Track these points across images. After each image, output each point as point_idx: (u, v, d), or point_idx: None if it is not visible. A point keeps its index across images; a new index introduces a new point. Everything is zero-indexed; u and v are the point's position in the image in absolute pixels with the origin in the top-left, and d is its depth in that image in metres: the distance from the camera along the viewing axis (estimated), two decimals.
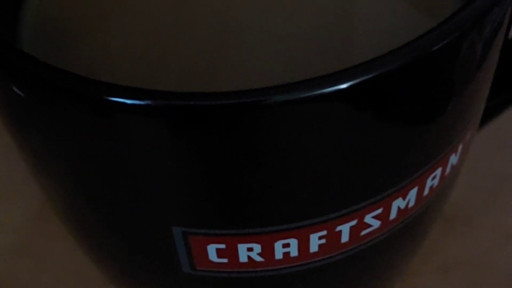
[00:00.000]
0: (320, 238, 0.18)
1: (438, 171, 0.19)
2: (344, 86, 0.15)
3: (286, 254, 0.18)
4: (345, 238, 0.19)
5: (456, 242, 0.27)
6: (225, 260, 0.18)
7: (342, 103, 0.15)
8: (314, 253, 0.19)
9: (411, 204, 0.19)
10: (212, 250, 0.18)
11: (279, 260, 0.19)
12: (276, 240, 0.18)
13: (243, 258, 0.18)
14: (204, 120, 0.15)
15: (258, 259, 0.18)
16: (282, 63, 0.19)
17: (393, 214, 0.19)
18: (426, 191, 0.19)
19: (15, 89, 0.16)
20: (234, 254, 0.18)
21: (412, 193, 0.19)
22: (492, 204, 0.28)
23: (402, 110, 0.16)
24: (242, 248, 0.18)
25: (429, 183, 0.19)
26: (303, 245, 0.18)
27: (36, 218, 0.29)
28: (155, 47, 0.20)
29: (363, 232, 0.19)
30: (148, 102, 0.15)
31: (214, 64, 0.19)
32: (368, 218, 0.18)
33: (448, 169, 0.19)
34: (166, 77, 0.19)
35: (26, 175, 0.30)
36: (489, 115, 0.24)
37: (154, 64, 0.20)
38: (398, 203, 0.18)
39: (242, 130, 0.15)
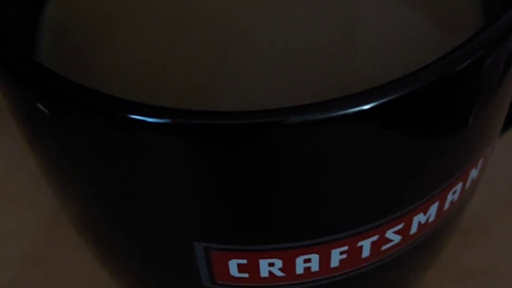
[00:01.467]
0: (341, 253, 0.18)
1: (459, 186, 0.19)
2: (367, 107, 0.15)
3: (307, 269, 0.18)
4: (365, 253, 0.19)
5: (471, 252, 0.27)
6: (246, 275, 0.19)
7: (365, 122, 0.15)
8: (335, 267, 0.19)
9: (431, 218, 0.19)
10: (233, 265, 0.18)
11: (300, 274, 0.19)
12: (297, 256, 0.18)
13: (264, 273, 0.18)
14: (225, 139, 0.15)
15: (279, 274, 0.18)
16: (287, 76, 0.19)
17: (413, 229, 0.19)
18: (446, 206, 0.19)
19: (39, 105, 0.16)
20: (255, 269, 0.18)
21: (433, 208, 0.19)
22: (507, 213, 0.28)
23: (424, 128, 0.16)
24: (263, 264, 0.18)
25: (449, 197, 0.19)
26: (324, 260, 0.18)
27: (49, 226, 0.29)
28: (160, 60, 0.20)
29: (384, 247, 0.19)
30: (169, 120, 0.15)
31: (218, 76, 0.19)
32: (389, 233, 0.18)
33: (468, 183, 0.19)
34: (171, 88, 0.19)
35: (38, 183, 0.30)
36: (507, 124, 0.24)
37: (159, 77, 0.20)
38: (419, 218, 0.18)
39: (264, 149, 0.15)
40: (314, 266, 0.18)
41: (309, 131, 0.15)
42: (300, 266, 0.18)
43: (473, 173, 0.19)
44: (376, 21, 0.21)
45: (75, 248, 0.28)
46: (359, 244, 0.18)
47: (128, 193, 0.17)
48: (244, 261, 0.18)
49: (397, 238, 0.19)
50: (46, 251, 0.29)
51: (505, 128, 0.25)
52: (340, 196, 0.17)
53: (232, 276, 0.19)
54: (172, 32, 0.21)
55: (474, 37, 0.15)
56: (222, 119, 0.15)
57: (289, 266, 0.18)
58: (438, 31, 0.21)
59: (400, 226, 0.18)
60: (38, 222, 0.29)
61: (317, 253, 0.18)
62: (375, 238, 0.18)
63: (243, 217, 0.17)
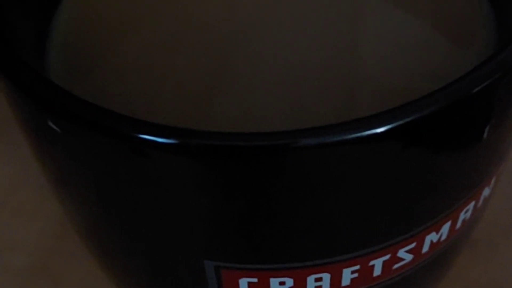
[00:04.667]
0: (353, 272, 0.18)
1: (471, 205, 0.19)
2: (383, 129, 0.15)
3: None
4: (377, 272, 0.18)
5: (479, 266, 0.27)
6: None
7: (381, 144, 0.15)
8: (346, 286, 0.19)
9: (443, 237, 0.19)
10: (243, 283, 0.18)
11: None
12: (309, 275, 0.18)
13: None
14: (236, 160, 0.15)
15: None
16: (289, 86, 0.19)
17: (425, 248, 0.19)
18: (458, 224, 0.19)
19: (50, 123, 0.16)
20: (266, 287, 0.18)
21: (445, 227, 0.18)
22: None
23: (438, 148, 0.16)
24: (274, 282, 0.18)
25: (461, 216, 0.19)
26: (336, 279, 0.18)
27: (54, 237, 0.29)
28: (165, 71, 0.20)
29: (395, 266, 0.19)
30: (178, 140, 0.15)
31: (217, 93, 0.19)
32: (401, 253, 0.18)
33: (480, 202, 0.19)
34: (174, 100, 0.19)
35: (44, 194, 0.30)
36: None
37: (164, 87, 0.20)
38: (431, 237, 0.18)
39: (275, 170, 0.15)
40: (325, 285, 0.18)
41: (322, 153, 0.15)
42: (311, 285, 0.18)
43: (486, 191, 0.19)
44: (384, 32, 0.21)
45: (81, 258, 0.28)
46: (371, 263, 0.18)
47: (137, 211, 0.17)
48: (255, 280, 0.18)
49: (408, 257, 0.18)
50: (52, 261, 0.29)
51: None
52: (353, 216, 0.17)
53: None
54: (178, 44, 0.21)
55: (491, 59, 0.15)
56: (233, 140, 0.15)
57: (300, 285, 0.18)
58: (449, 43, 0.21)
59: (412, 245, 0.18)
60: (43, 232, 0.29)
61: (328, 272, 0.18)
62: (387, 257, 0.18)
63: (254, 236, 0.17)
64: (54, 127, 0.16)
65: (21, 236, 0.29)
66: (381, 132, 0.15)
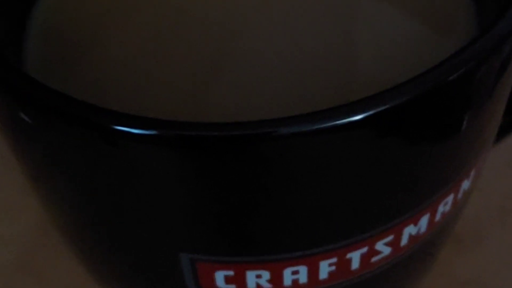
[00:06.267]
0: (330, 265, 0.18)
1: (450, 197, 0.19)
2: (359, 117, 0.14)
3: (295, 281, 0.18)
4: (355, 265, 0.18)
5: (464, 261, 0.27)
6: (232, 286, 0.18)
7: (357, 133, 0.15)
8: (323, 279, 0.18)
9: (422, 230, 0.19)
10: (219, 276, 0.18)
11: (288, 286, 0.18)
12: (285, 267, 0.18)
13: (251, 284, 0.18)
14: (210, 150, 0.15)
15: (267, 285, 0.18)
16: (281, 82, 0.19)
17: (404, 241, 0.18)
18: (437, 217, 0.19)
19: (22, 115, 0.16)
20: (242, 280, 0.18)
21: (424, 220, 0.18)
22: (501, 222, 0.28)
23: (415, 138, 0.16)
24: (250, 275, 0.18)
25: (440, 209, 0.19)
26: (313, 272, 0.18)
27: (38, 234, 0.29)
28: (149, 68, 0.20)
29: (374, 259, 0.18)
30: (154, 132, 0.15)
31: (209, 85, 0.19)
32: (379, 245, 0.18)
33: (460, 195, 0.19)
34: (161, 96, 0.19)
35: (26, 191, 0.29)
36: (501, 134, 0.24)
37: (148, 85, 0.19)
38: (410, 230, 0.18)
39: (251, 161, 0.15)
40: (302, 278, 0.18)
41: (297, 142, 0.15)
42: (288, 278, 0.18)
43: (465, 184, 0.19)
44: (371, 27, 0.21)
45: (63, 255, 0.28)
46: (348, 256, 0.18)
47: (113, 203, 0.17)
48: (231, 273, 0.18)
49: (387, 250, 0.18)
50: (35, 257, 0.29)
51: (498, 138, 0.24)
52: (330, 207, 0.16)
53: (218, 287, 0.18)
54: (162, 39, 0.21)
55: (467, 47, 0.15)
56: (207, 130, 0.15)
57: (276, 278, 0.18)
58: (432, 35, 0.21)
59: (390, 238, 0.18)
60: (26, 230, 0.29)
61: (305, 265, 0.18)
62: (364, 250, 0.18)
63: (230, 228, 0.17)
64: (26, 118, 0.16)
65: (4, 234, 0.29)
66: (357, 121, 0.14)
